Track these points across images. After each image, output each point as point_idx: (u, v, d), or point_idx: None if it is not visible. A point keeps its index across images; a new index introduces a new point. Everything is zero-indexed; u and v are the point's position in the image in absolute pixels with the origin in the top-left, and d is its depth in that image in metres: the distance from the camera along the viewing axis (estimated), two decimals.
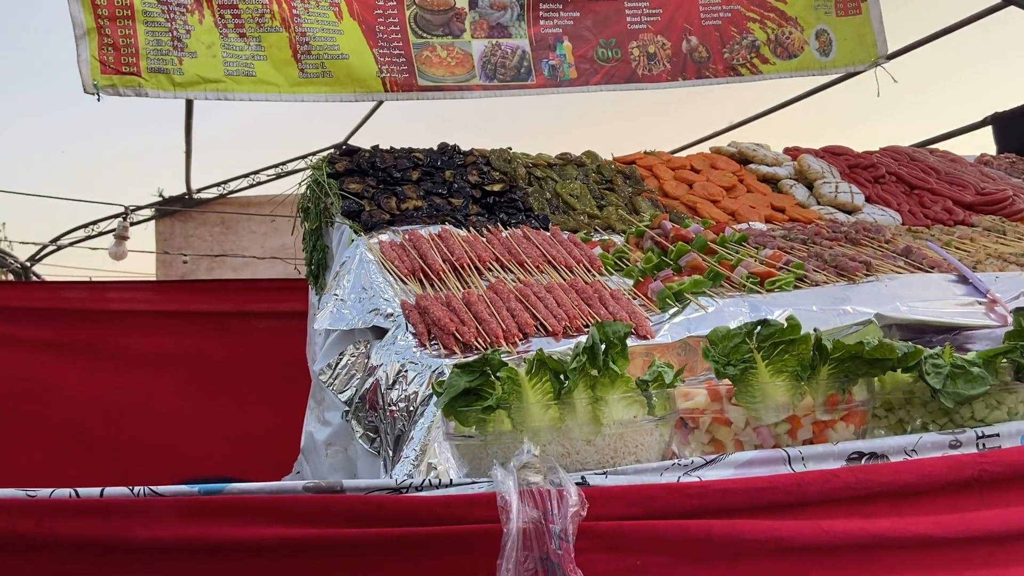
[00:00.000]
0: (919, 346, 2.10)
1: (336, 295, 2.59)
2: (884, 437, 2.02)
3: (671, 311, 2.55)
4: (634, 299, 2.66)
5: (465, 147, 3.66)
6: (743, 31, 5.19)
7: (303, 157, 12.46)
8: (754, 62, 5.20)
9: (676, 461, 1.83)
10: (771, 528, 1.80)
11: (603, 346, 1.80)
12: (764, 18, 5.25)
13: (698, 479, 1.81)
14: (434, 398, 2.18)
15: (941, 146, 6.97)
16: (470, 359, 1.84)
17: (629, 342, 2.41)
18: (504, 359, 2.27)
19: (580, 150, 3.91)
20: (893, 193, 4.08)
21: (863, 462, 1.97)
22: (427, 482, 1.66)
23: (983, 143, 7.24)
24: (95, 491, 1.42)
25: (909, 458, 1.99)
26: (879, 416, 2.22)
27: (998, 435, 2.10)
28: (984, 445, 2.09)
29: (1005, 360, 2.14)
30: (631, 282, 2.79)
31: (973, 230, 3.74)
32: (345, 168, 3.29)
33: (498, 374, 1.79)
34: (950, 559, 1.86)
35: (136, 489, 1.45)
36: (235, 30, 4.14)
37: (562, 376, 1.78)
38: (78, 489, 1.40)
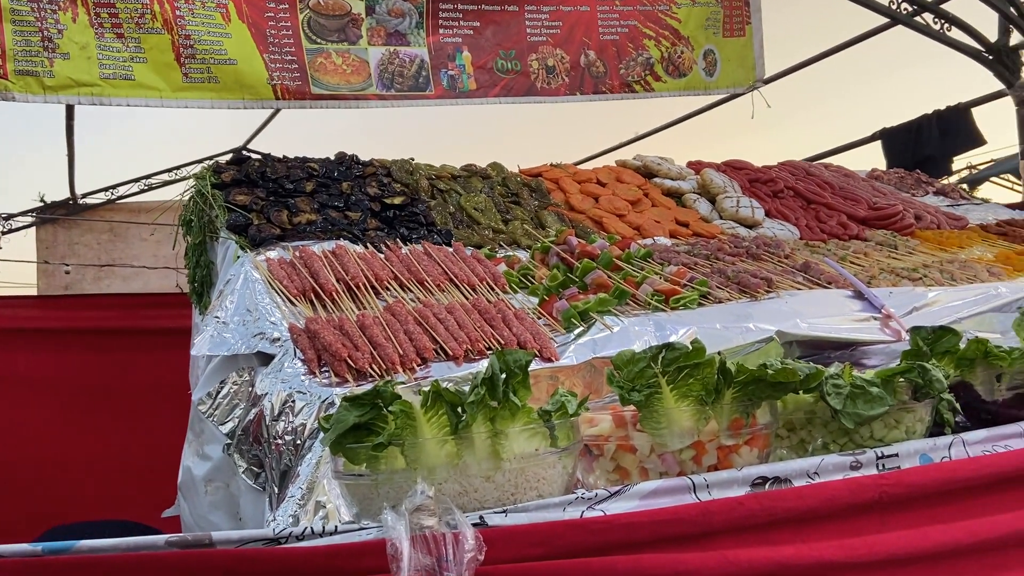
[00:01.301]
0: (820, 367, 2.09)
1: (217, 317, 2.39)
2: (787, 460, 1.99)
3: (576, 331, 2.47)
4: (539, 318, 2.57)
5: (383, 155, 3.50)
6: (639, 47, 5.23)
7: (199, 161, 11.95)
8: (647, 79, 5.26)
9: (580, 494, 1.74)
10: (676, 561, 1.74)
11: (503, 375, 1.70)
12: (659, 35, 5.31)
13: (602, 513, 1.73)
14: (322, 432, 2.03)
15: (835, 159, 7.25)
16: (360, 391, 1.71)
17: (533, 365, 2.33)
18: (401, 387, 2.15)
19: (506, 159, 3.81)
20: (791, 207, 4.15)
21: (767, 487, 1.94)
22: (308, 530, 1.51)
23: (873, 157, 7.57)
24: None
25: (812, 481, 1.98)
26: (781, 436, 2.20)
27: (897, 455, 2.12)
28: (884, 465, 2.09)
29: (903, 379, 2.16)
30: (536, 300, 2.70)
31: (867, 244, 3.84)
32: (232, 178, 3.08)
33: (391, 407, 1.66)
34: None
35: None
36: (112, 30, 3.85)
37: (460, 409, 1.66)
38: None
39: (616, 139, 9.02)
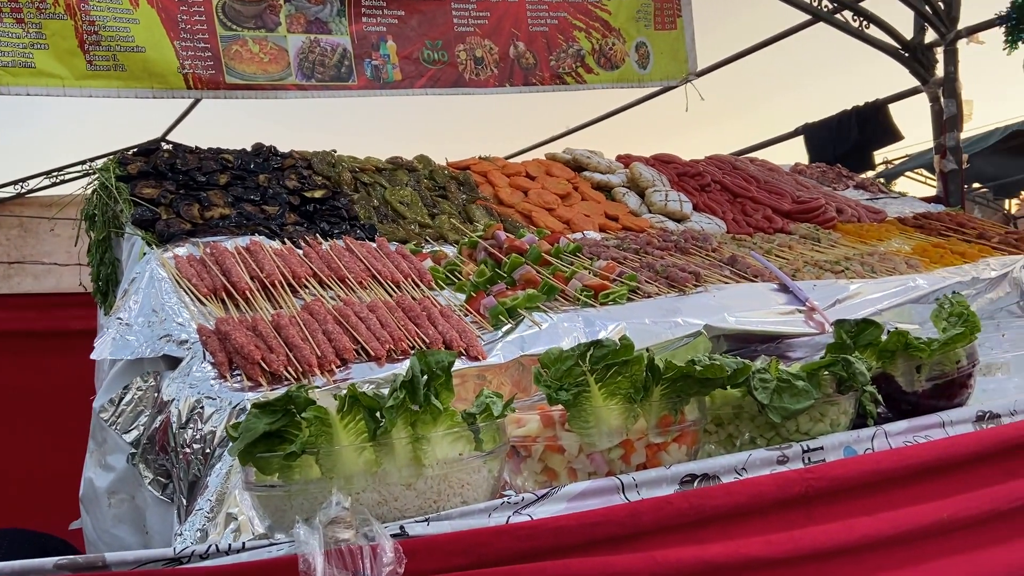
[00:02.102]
0: (747, 362, 2.07)
1: (120, 319, 2.24)
2: (715, 457, 1.98)
3: (504, 328, 2.40)
4: (466, 315, 2.50)
5: (317, 147, 3.34)
6: (569, 39, 5.19)
7: (115, 153, 11.42)
8: (579, 71, 5.22)
9: (506, 499, 1.68)
10: (605, 564, 1.70)
11: (425, 377, 1.61)
12: (589, 27, 5.28)
13: (529, 517, 1.68)
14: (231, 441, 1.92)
15: (759, 154, 7.37)
16: (271, 397, 1.60)
17: (459, 363, 2.26)
18: (317, 390, 2.04)
19: (435, 152, 3.70)
20: (718, 201, 4.18)
21: (696, 484, 1.91)
22: (214, 548, 1.40)
23: (796, 152, 7.73)
24: None
25: (740, 477, 1.96)
26: (709, 431, 2.19)
27: (822, 448, 2.12)
28: (810, 459, 2.10)
29: (827, 373, 2.16)
30: (463, 297, 2.62)
31: (791, 238, 3.89)
32: (139, 170, 2.90)
33: (304, 414, 1.56)
34: None
35: None
36: (11, 15, 3.60)
37: (378, 414, 1.57)
38: None
39: (547, 133, 9.01)
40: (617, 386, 1.90)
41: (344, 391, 2.06)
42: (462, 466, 1.62)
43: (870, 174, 8.54)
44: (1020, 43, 7.00)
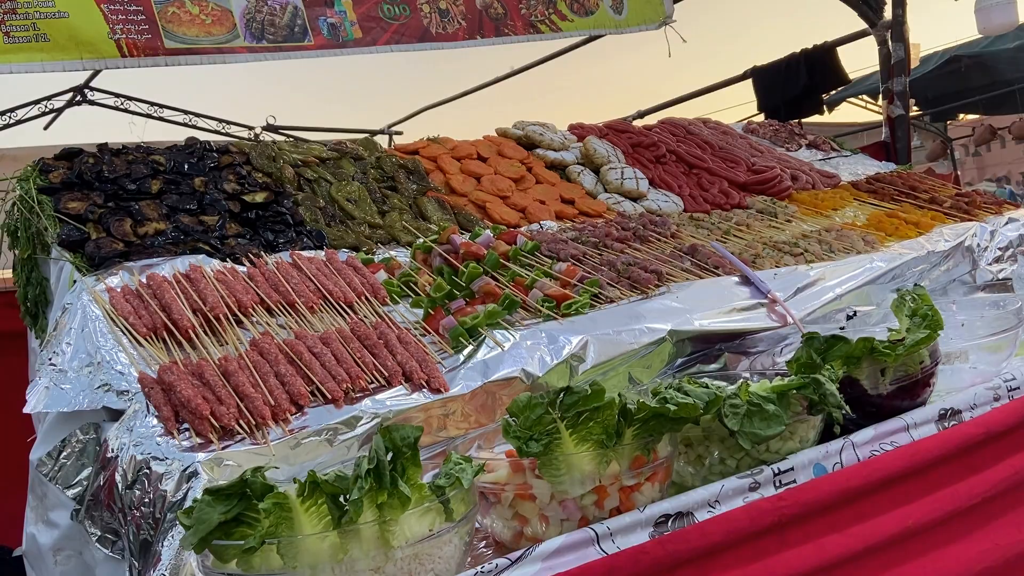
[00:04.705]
0: (718, 392, 2.03)
1: (54, 364, 2.07)
2: (687, 492, 1.94)
3: (466, 351, 2.31)
4: (424, 335, 2.39)
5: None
6: None
7: (36, 102, 10.70)
8: (552, 19, 5.00)
9: (478, 569, 1.61)
10: None
11: (390, 455, 1.52)
12: None
13: None
14: (188, 502, 1.80)
15: (710, 96, 7.25)
16: (223, 483, 1.49)
17: (420, 397, 2.16)
18: (273, 442, 1.94)
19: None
20: (674, 174, 4.09)
21: (670, 524, 1.88)
22: None
23: (746, 94, 7.62)
24: None
25: (713, 511, 1.94)
26: (679, 452, 2.16)
27: (792, 468, 2.12)
28: (781, 482, 2.09)
29: (798, 392, 2.14)
30: (420, 311, 2.51)
31: (748, 213, 3.85)
32: (63, 179, 2.66)
33: (263, 503, 1.45)
34: None
35: None
36: None
37: (342, 498, 1.48)
38: None
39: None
40: (589, 431, 1.84)
41: (300, 441, 1.97)
42: (433, 541, 1.55)
43: (817, 118, 8.56)
44: None
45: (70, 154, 2.82)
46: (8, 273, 2.91)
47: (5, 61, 3.50)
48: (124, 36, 3.71)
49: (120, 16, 3.72)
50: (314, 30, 4.19)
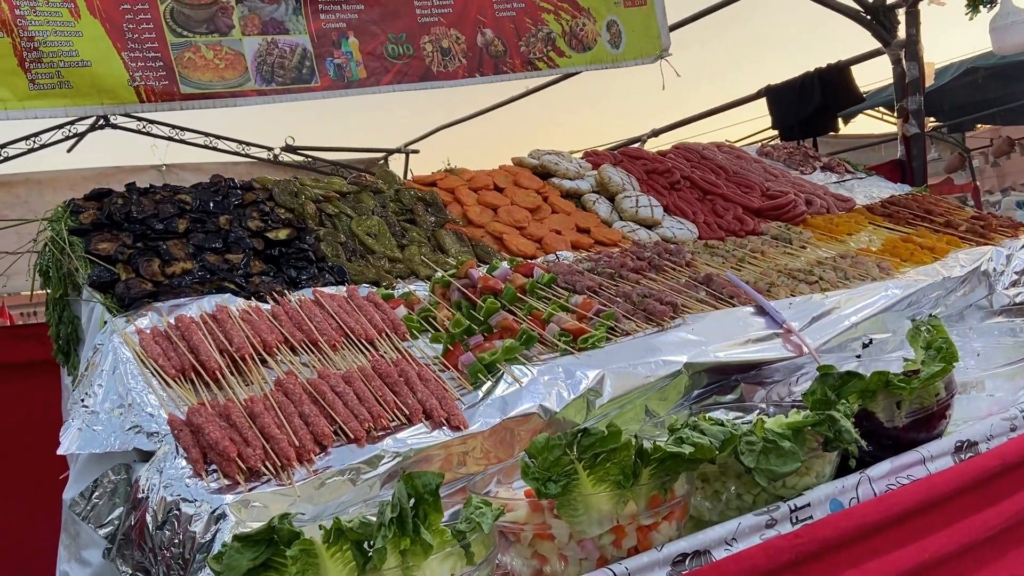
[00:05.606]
0: (734, 431, 2.06)
1: (86, 406, 2.14)
2: (704, 530, 1.97)
3: (484, 387, 2.36)
4: (443, 370, 2.44)
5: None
6: (538, 23, 5.03)
7: (60, 127, 10.92)
8: (551, 55, 5.08)
9: None
10: None
11: (412, 501, 1.57)
12: (558, 8, 5.11)
13: None
14: (217, 544, 1.86)
15: (724, 116, 7.30)
16: (252, 530, 1.54)
17: (440, 435, 2.21)
18: (298, 483, 1.99)
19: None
20: (688, 201, 4.13)
21: (688, 563, 1.91)
22: None
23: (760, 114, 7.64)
24: None
25: (730, 549, 1.97)
26: (696, 488, 2.19)
27: (809, 504, 2.14)
28: (797, 518, 2.11)
29: (813, 428, 2.16)
30: (440, 347, 2.56)
31: (762, 240, 3.87)
32: (93, 220, 2.75)
33: (290, 551, 1.50)
34: None
35: None
36: None
37: (366, 544, 1.53)
38: None
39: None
40: (606, 472, 1.88)
41: (324, 482, 2.02)
42: None
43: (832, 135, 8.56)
44: (982, 7, 6.97)
45: (99, 195, 2.92)
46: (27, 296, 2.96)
47: (31, 107, 3.62)
48: (143, 83, 3.81)
49: (140, 63, 3.83)
50: (321, 71, 4.29)
